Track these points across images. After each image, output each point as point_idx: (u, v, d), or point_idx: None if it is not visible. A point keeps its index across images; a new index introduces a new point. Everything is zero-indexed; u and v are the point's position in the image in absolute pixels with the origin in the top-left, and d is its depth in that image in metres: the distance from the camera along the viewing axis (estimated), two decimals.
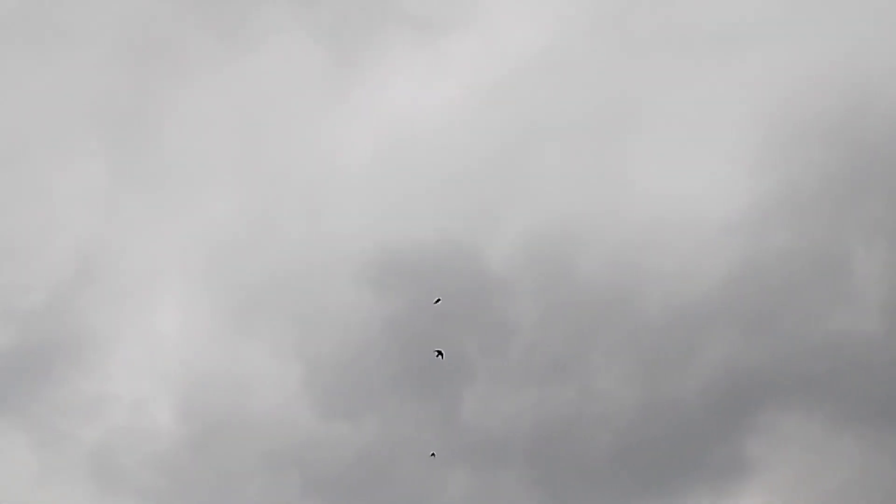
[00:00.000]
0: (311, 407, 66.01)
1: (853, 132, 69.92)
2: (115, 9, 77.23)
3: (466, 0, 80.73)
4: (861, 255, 66.56)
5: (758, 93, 73.33)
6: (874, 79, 70.21)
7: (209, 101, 76.77)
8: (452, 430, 65.20)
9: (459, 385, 66.25)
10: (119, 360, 69.06)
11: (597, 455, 64.63)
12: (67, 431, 65.84)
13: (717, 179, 70.59)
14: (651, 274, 67.78)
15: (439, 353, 55.52)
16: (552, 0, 79.08)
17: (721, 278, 66.80)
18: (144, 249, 73.39)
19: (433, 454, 57.53)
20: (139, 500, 63.76)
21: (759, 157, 70.50)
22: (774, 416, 64.20)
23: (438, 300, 54.86)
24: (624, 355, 66.86)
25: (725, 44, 76.03)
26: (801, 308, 65.96)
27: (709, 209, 69.11)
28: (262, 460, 64.97)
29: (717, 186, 70.21)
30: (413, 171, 74.15)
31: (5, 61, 76.38)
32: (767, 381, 64.59)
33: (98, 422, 66.28)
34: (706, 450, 63.82)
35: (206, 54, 77.58)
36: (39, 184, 74.72)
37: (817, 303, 65.98)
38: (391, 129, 75.76)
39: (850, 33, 71.12)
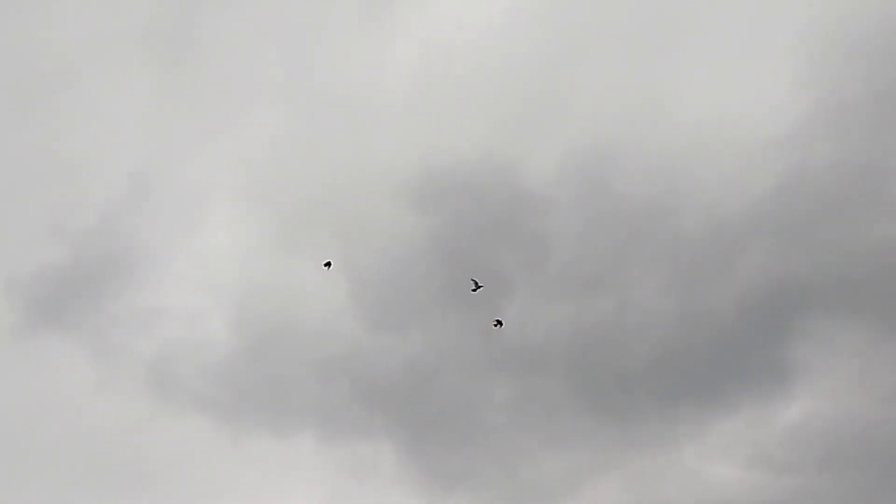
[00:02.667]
0: (358, 319, 67.96)
1: None
2: None
3: None
4: None
5: (804, 6, 72.04)
6: None
7: (253, 21, 77.47)
8: (494, 341, 66.61)
9: (500, 298, 67.50)
10: (172, 275, 71.39)
11: (636, 364, 65.90)
12: (124, 344, 68.76)
13: (762, 93, 70.14)
14: (692, 187, 67.99)
15: (476, 285, 56.86)
16: None
17: (764, 190, 67.06)
18: (194, 168, 75.03)
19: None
20: (195, 409, 66.65)
21: (805, 70, 69.67)
22: (819, 321, 64.60)
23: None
24: (663, 267, 67.57)
25: None
26: (845, 217, 65.84)
27: (753, 123, 68.85)
28: (313, 369, 67.49)
29: (761, 100, 69.79)
30: (454, 89, 74.63)
31: None
32: (811, 288, 64.95)
33: (153, 334, 69.16)
34: (749, 357, 64.51)
35: None
36: (91, 107, 76.36)
37: (861, 212, 65.78)
38: (433, 47, 75.84)
39: None
